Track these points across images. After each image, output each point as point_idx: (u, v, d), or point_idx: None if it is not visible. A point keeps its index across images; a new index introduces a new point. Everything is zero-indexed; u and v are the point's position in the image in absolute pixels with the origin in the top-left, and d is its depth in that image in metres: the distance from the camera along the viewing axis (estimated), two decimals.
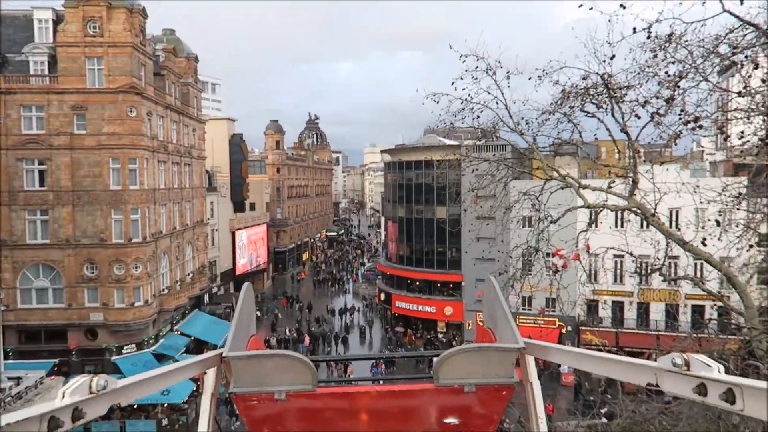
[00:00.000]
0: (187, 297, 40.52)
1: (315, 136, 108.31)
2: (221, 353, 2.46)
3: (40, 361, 30.44)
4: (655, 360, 1.93)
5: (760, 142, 9.19)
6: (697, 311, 35.01)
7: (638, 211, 11.81)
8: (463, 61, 12.74)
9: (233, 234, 58.08)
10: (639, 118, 11.20)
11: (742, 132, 9.22)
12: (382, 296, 55.00)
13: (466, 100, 13.09)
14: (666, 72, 10.56)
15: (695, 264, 31.56)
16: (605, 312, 38.41)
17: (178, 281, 40.39)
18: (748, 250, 10.16)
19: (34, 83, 32.83)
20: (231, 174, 59.53)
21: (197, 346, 39.06)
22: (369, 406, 2.60)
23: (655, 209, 11.68)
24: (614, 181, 12.88)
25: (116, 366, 32.20)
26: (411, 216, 51.26)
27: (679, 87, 10.26)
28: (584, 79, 11.78)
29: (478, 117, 13.56)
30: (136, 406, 30.19)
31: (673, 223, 29.69)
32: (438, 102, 13.44)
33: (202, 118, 48.90)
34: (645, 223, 15.27)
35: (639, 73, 11.11)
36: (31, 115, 32.68)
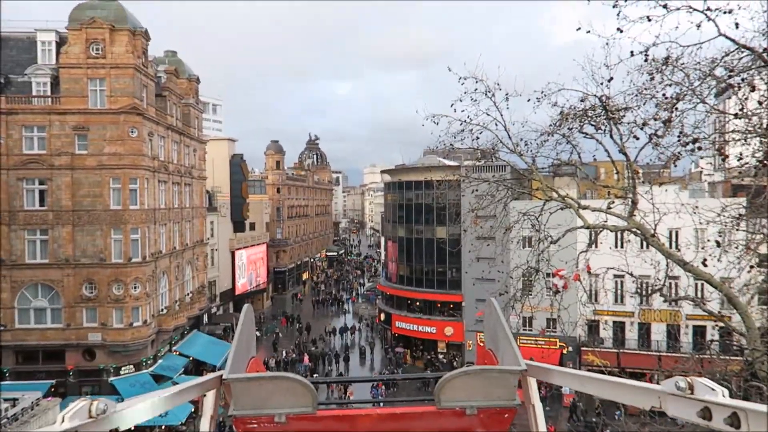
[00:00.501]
0: (186, 317, 40.32)
1: (315, 156, 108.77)
2: (221, 375, 2.43)
3: (37, 382, 30.17)
4: (658, 382, 1.92)
5: (758, 164, 9.25)
6: (699, 332, 34.89)
7: (638, 231, 11.82)
8: (462, 83, 12.87)
9: (233, 254, 58.01)
10: (637, 139, 11.28)
11: (740, 153, 9.29)
12: (382, 316, 54.74)
13: (465, 121, 13.20)
14: (663, 94, 10.67)
15: (696, 284, 31.50)
16: (606, 333, 38.19)
17: (177, 301, 40.23)
18: (748, 271, 10.17)
19: (36, 104, 33.06)
20: (231, 194, 59.69)
21: (196, 366, 38.79)
22: (370, 429, 2.56)
23: (654, 230, 11.70)
24: (614, 202, 12.93)
25: (113, 387, 31.91)
26: (411, 236, 51.25)
27: (676, 109, 10.37)
28: (582, 101, 11.87)
29: (478, 138, 13.65)
30: (133, 428, 29.72)
31: (673, 244, 29.69)
32: (437, 123, 13.56)
33: (203, 138, 49.15)
34: (645, 243, 15.28)
35: (637, 95, 11.23)
36: (32, 135, 32.85)
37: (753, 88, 9.02)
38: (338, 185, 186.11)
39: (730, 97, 10.72)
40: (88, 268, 32.88)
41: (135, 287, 33.37)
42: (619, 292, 36.62)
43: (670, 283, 15.43)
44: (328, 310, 68.96)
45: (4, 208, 31.28)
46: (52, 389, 31.00)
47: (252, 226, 66.47)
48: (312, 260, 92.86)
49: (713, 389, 1.72)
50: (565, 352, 39.86)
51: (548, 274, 15.12)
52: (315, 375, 43.84)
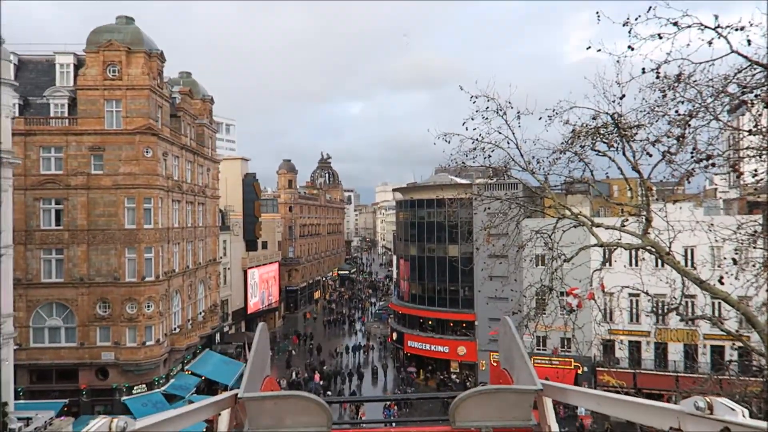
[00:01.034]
0: (198, 336, 40.36)
1: (327, 175, 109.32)
2: (236, 394, 2.44)
3: (50, 401, 30.20)
4: (676, 403, 1.90)
5: None
6: (717, 352, 34.26)
7: (653, 249, 11.70)
8: (474, 102, 12.92)
9: (245, 272, 58.16)
10: (650, 156, 11.20)
11: (755, 170, 9.21)
12: (395, 335, 54.42)
13: (477, 139, 13.22)
14: (676, 111, 10.63)
15: (713, 303, 31.01)
16: (622, 352, 37.63)
17: (189, 320, 40.32)
18: (767, 290, 10.01)
19: (54, 125, 33.62)
20: (244, 213, 60.06)
21: (208, 386, 38.69)
22: None
23: (669, 248, 11.56)
24: (627, 220, 12.84)
25: (126, 406, 31.87)
26: (423, 254, 51.11)
27: (689, 125, 10.31)
28: (594, 118, 11.81)
29: (490, 156, 13.63)
30: None
31: (689, 262, 29.34)
32: (449, 141, 13.60)
33: (216, 158, 49.62)
34: (660, 261, 15.07)
35: (649, 113, 11.18)
36: (50, 155, 33.37)
37: (767, 105, 8.98)
38: (350, 204, 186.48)
39: (743, 114, 10.65)
40: (102, 287, 33.11)
41: (148, 306, 33.50)
42: (634, 311, 36.12)
43: (687, 302, 15.20)
44: (339, 330, 68.70)
45: (21, 228, 31.63)
46: (65, 408, 31.03)
47: (264, 245, 66.73)
48: (324, 279, 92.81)
49: (733, 409, 1.69)
50: (580, 372, 39.28)
51: (562, 293, 14.99)
52: (328, 393, 43.70)
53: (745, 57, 8.77)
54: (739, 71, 9.04)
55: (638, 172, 11.97)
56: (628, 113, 11.59)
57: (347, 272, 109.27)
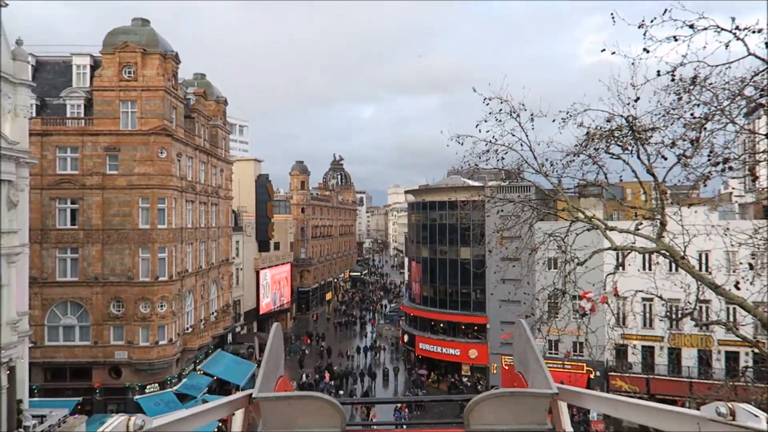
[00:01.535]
0: (210, 336, 40.57)
1: (339, 176, 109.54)
2: (250, 394, 2.45)
3: (64, 399, 30.50)
4: (698, 409, 1.85)
5: None
6: (732, 358, 33.78)
7: (667, 253, 11.58)
8: (487, 104, 12.88)
9: (257, 273, 58.41)
10: (665, 159, 11.09)
11: None
12: (406, 338, 54.35)
13: (490, 142, 13.18)
14: (692, 114, 10.53)
15: (728, 308, 30.63)
16: (635, 357, 37.27)
17: (202, 320, 40.54)
18: None
19: (70, 125, 33.99)
20: (257, 214, 60.33)
21: (220, 386, 38.87)
22: None
23: (684, 252, 11.44)
24: (641, 223, 12.73)
25: (138, 405, 32.10)
26: (435, 256, 51.00)
27: (705, 129, 10.20)
28: (608, 121, 11.73)
29: (503, 158, 13.59)
30: None
31: (704, 266, 29.00)
32: (462, 144, 13.55)
33: (229, 159, 49.91)
34: (674, 265, 14.90)
35: (664, 116, 11.07)
36: (66, 156, 33.76)
37: None
38: (362, 206, 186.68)
39: (760, 117, 10.53)
40: (116, 287, 33.41)
41: (161, 306, 33.73)
42: (647, 315, 35.78)
43: (701, 307, 15.05)
44: (350, 331, 68.69)
45: (36, 227, 31.98)
46: (79, 407, 31.28)
47: (277, 246, 66.94)
48: (335, 280, 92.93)
49: (756, 416, 1.65)
50: (592, 376, 38.95)
51: (575, 297, 14.90)
52: (341, 392, 43.77)
53: (763, 59, 8.67)
54: (756, 74, 8.94)
55: (653, 175, 11.86)
56: (643, 116, 11.48)
57: (359, 274, 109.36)
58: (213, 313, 43.35)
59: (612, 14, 10.06)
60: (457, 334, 48.54)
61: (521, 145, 13.23)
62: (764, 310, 9.65)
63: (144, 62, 33.97)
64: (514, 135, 13.13)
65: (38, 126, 32.86)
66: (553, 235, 13.62)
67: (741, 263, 11.23)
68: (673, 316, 20.78)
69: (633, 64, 10.15)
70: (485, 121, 13.03)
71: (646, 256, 23.89)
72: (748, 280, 9.96)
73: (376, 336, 64.61)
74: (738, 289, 9.68)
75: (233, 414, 2.49)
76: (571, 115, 12.30)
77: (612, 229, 13.23)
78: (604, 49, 10.75)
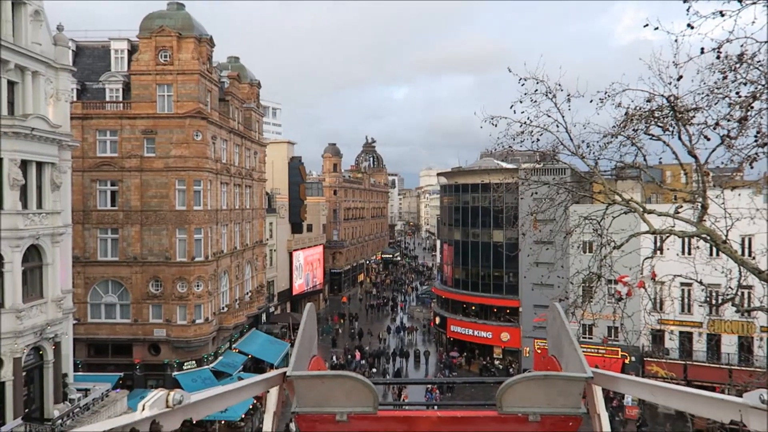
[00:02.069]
0: (245, 316, 41.32)
1: (371, 158, 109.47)
2: (284, 372, 2.48)
3: (107, 374, 31.58)
4: (739, 396, 1.80)
5: None
6: None
7: (708, 237, 11.27)
8: (522, 84, 12.64)
9: (291, 255, 59.11)
10: (708, 140, 10.74)
11: None
12: (437, 320, 54.46)
13: (525, 123, 12.96)
14: (737, 93, 10.13)
15: None
16: (672, 343, 36.56)
17: (237, 300, 41.30)
18: None
19: (109, 109, 34.71)
20: (290, 195, 60.86)
21: (254, 364, 39.67)
22: (430, 431, 2.55)
23: (726, 236, 11.13)
24: (681, 206, 12.42)
25: (177, 381, 33.01)
26: (467, 239, 50.75)
27: (752, 108, 9.82)
28: (649, 101, 11.40)
29: (538, 140, 13.36)
30: (194, 422, 30.71)
31: (746, 251, 28.19)
32: (496, 125, 13.35)
33: (263, 141, 50.31)
34: (715, 250, 14.53)
35: (708, 95, 10.68)
36: (105, 138, 34.53)
37: None
38: (394, 188, 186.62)
39: None
40: (155, 266, 34.23)
41: (198, 285, 34.46)
42: (686, 300, 34.99)
43: (743, 293, 14.60)
44: (382, 313, 69.13)
45: (78, 208, 32.91)
46: (120, 382, 32.35)
47: (309, 228, 67.55)
48: (367, 262, 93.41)
49: None
50: (627, 362, 38.41)
51: (610, 281, 14.68)
52: (374, 370, 44.31)
53: None
54: None
55: (694, 157, 11.49)
56: (685, 96, 11.09)
57: (390, 256, 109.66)
58: (247, 293, 44.12)
59: None
60: (489, 317, 48.39)
61: (557, 126, 12.99)
62: None
63: (179, 46, 34.34)
64: (549, 116, 12.88)
65: (79, 110, 33.64)
66: (589, 218, 13.40)
67: None
68: (713, 301, 20.34)
69: (676, 41, 9.82)
70: (520, 102, 12.80)
71: (686, 240, 23.24)
72: None
73: (408, 317, 64.91)
74: None
75: (268, 391, 2.54)
76: (609, 96, 11.98)
77: (650, 212, 12.94)
78: (647, 24, 10.39)
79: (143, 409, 1.73)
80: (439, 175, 60.24)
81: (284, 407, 2.58)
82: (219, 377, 34.44)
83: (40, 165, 23.75)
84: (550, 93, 12.59)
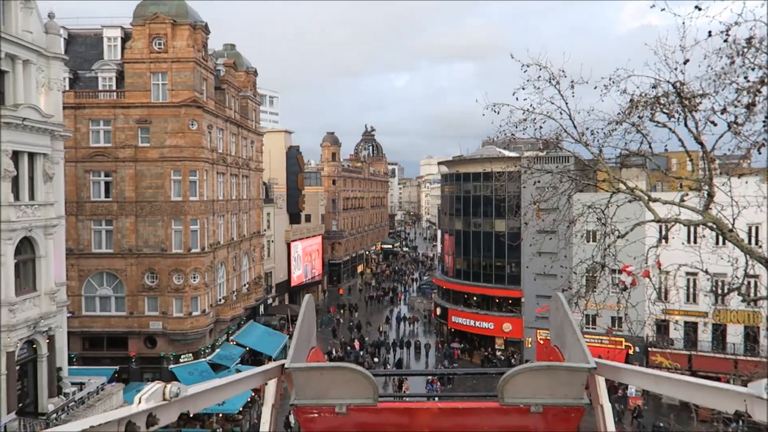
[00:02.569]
0: (243, 307, 41.01)
1: (371, 147, 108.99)
2: (283, 364, 2.46)
3: (102, 368, 31.32)
4: (744, 386, 1.74)
5: None
6: None
7: (714, 226, 11.20)
8: (525, 71, 12.48)
9: (289, 245, 58.72)
10: (715, 125, 10.64)
11: None
12: (438, 311, 54.18)
13: (527, 110, 12.82)
14: (746, 77, 9.95)
15: None
16: (677, 333, 36.27)
17: (234, 292, 40.97)
18: None
19: (102, 98, 34.19)
20: (287, 185, 60.37)
21: (252, 356, 39.40)
22: (430, 423, 2.53)
23: (733, 224, 11.05)
24: (687, 194, 12.37)
25: (173, 374, 32.75)
26: (469, 229, 50.33)
27: (760, 93, 9.64)
28: (654, 87, 11.28)
29: (541, 128, 13.21)
30: (191, 415, 30.55)
31: (753, 240, 27.78)
32: (498, 112, 13.15)
33: (260, 130, 49.79)
34: (721, 239, 14.31)
35: (715, 80, 10.58)
36: (99, 128, 34.02)
37: None
38: (394, 177, 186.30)
39: None
40: (150, 258, 33.85)
41: (194, 277, 34.11)
42: (691, 290, 34.66)
43: (749, 282, 14.46)
44: (382, 305, 68.67)
45: (72, 199, 32.46)
46: (116, 375, 32.09)
47: (308, 218, 67.14)
48: (367, 253, 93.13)
49: None
50: (631, 352, 38.10)
51: (614, 271, 14.55)
52: (375, 359, 44.15)
53: None
54: None
55: (701, 144, 11.40)
56: (692, 81, 11.05)
57: (390, 246, 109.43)
58: (245, 285, 43.78)
59: None
60: (491, 308, 48.05)
61: (560, 113, 12.91)
62: None
63: (174, 33, 33.74)
64: (552, 103, 12.75)
65: (71, 99, 33.09)
66: (593, 206, 13.31)
67: None
68: (719, 291, 20.08)
69: (683, 23, 9.53)
70: (522, 89, 12.74)
71: (692, 228, 22.99)
72: None
73: (408, 309, 64.68)
74: None
75: (266, 384, 2.51)
76: (613, 82, 11.96)
77: (655, 200, 12.84)
78: (653, 5, 10.10)
79: (140, 402, 1.67)
80: (440, 163, 59.82)
81: (283, 399, 2.57)
82: (216, 370, 34.17)
83: (32, 156, 23.44)
84: (554, 79, 12.53)
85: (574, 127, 13.09)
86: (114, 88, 34.61)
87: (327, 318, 57.87)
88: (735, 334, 35.12)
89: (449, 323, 50.69)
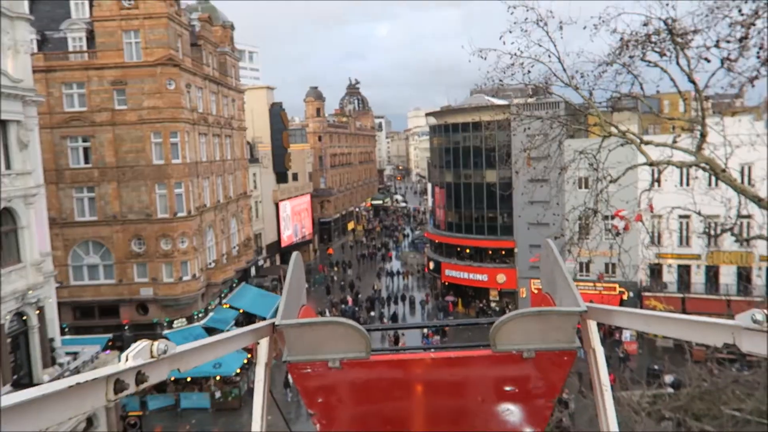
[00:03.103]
0: (234, 270, 40.87)
1: (356, 101, 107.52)
2: (274, 322, 2.47)
3: (95, 336, 31.35)
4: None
5: None
6: None
7: (707, 167, 11.34)
8: (512, 13, 12.30)
9: (277, 205, 58.19)
10: (709, 62, 10.56)
11: None
12: (431, 265, 54.38)
13: (515, 54, 12.74)
14: (739, 10, 9.78)
15: None
16: (670, 276, 36.65)
17: (224, 255, 40.72)
18: None
19: (74, 60, 33.02)
20: (272, 144, 59.26)
21: (246, 318, 39.50)
22: (424, 374, 2.57)
23: (726, 164, 11.06)
24: (680, 136, 12.40)
25: (168, 340, 32.68)
26: (459, 181, 49.97)
27: (754, 26, 9.53)
28: (645, 25, 11.08)
29: (529, 72, 13.19)
30: (189, 379, 30.80)
31: (745, 179, 27.69)
32: (485, 58, 13.06)
33: (240, 87, 48.63)
34: (714, 180, 14.31)
35: (707, 15, 10.45)
36: (72, 92, 32.95)
37: None
38: (381, 131, 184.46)
39: None
40: (136, 224, 33.39)
41: (182, 242, 33.75)
42: (684, 233, 34.85)
43: (742, 222, 14.49)
44: (374, 262, 68.49)
45: (50, 168, 31.55)
46: (110, 343, 32.08)
47: (295, 177, 66.25)
48: (357, 210, 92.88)
49: None
50: (625, 297, 38.54)
51: (607, 216, 14.57)
52: (372, 313, 44.57)
53: None
54: None
55: (693, 82, 11.42)
56: (683, 17, 10.97)
57: (381, 202, 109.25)
58: (235, 248, 43.49)
59: None
60: (484, 260, 48.18)
61: (549, 56, 12.84)
62: None
63: None
64: (541, 46, 12.68)
65: (41, 62, 31.83)
66: (584, 152, 13.35)
67: None
68: (712, 232, 20.18)
69: None
70: (509, 32, 12.63)
71: (684, 171, 22.85)
72: None
73: (401, 264, 64.80)
74: None
75: (258, 343, 2.52)
76: (603, 21, 11.95)
77: (648, 143, 12.87)
78: None
79: (127, 359, 1.58)
80: (427, 115, 59.02)
81: (278, 359, 2.56)
82: (211, 333, 34.00)
83: (3, 123, 22.66)
84: (541, 21, 12.37)
85: (564, 70, 13.08)
86: (85, 48, 33.36)
87: (320, 276, 57.96)
88: (728, 275, 35.52)
89: (443, 277, 50.91)
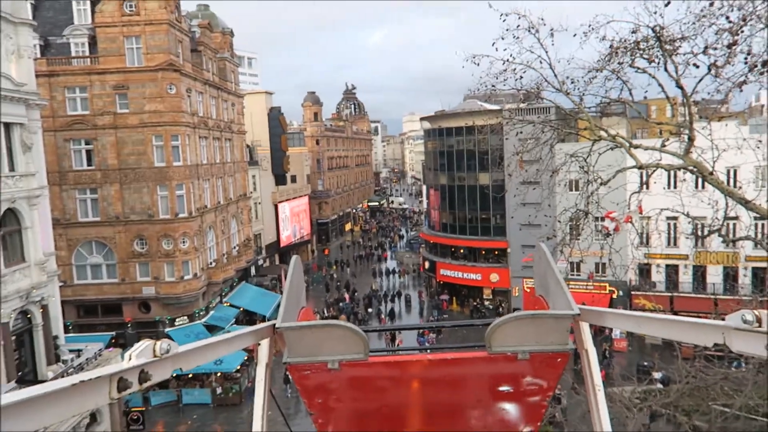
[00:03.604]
0: (234, 269, 41.27)
1: (353, 106, 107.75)
2: (274, 324, 2.52)
3: (99, 334, 31.63)
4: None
5: None
6: (760, 274, 33.44)
7: (695, 170, 11.26)
8: (504, 20, 12.32)
9: (276, 207, 58.63)
10: (697, 67, 10.59)
11: None
12: (426, 264, 54.87)
13: (507, 60, 12.71)
14: (727, 17, 9.90)
15: (756, 224, 30.06)
16: (659, 276, 37.12)
17: (224, 254, 41.15)
18: None
19: (76, 65, 33.40)
20: (271, 147, 59.68)
21: (247, 317, 39.92)
22: (421, 375, 2.61)
23: (713, 167, 11.14)
24: (668, 140, 12.41)
25: (169, 337, 33.05)
26: (453, 183, 50.54)
27: (742, 32, 9.63)
28: (634, 32, 11.27)
29: (521, 78, 13.15)
30: (191, 376, 31.21)
31: (731, 182, 28.23)
32: (478, 64, 13.05)
33: (240, 92, 49.05)
34: (701, 182, 14.51)
35: (694, 23, 10.47)
36: (75, 96, 33.35)
37: None
38: (377, 135, 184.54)
39: None
40: (138, 225, 33.80)
41: (183, 242, 34.19)
42: (672, 234, 35.37)
43: (728, 224, 14.77)
44: (371, 263, 68.97)
45: (54, 169, 31.98)
46: (113, 341, 32.38)
47: (293, 179, 66.68)
48: (354, 211, 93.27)
49: None
50: (614, 296, 39.10)
51: (597, 218, 14.74)
52: (369, 310, 44.91)
53: None
54: None
55: (681, 88, 11.35)
56: (671, 25, 10.91)
57: (377, 204, 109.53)
58: (235, 247, 43.92)
59: None
60: (477, 259, 48.75)
61: (540, 62, 12.77)
62: None
63: None
64: (532, 52, 12.62)
65: (44, 67, 32.24)
66: (575, 155, 13.33)
67: None
68: (700, 233, 20.55)
69: None
70: (502, 39, 12.56)
71: (672, 173, 23.27)
72: None
73: (397, 264, 65.23)
74: None
75: (259, 344, 2.57)
76: (593, 28, 11.83)
77: (637, 146, 12.87)
78: None
79: (130, 358, 1.68)
80: (422, 119, 59.44)
81: (278, 357, 2.62)
82: (212, 331, 34.65)
83: (8, 126, 22.91)
84: (533, 28, 12.35)
85: (555, 76, 12.98)
86: (87, 53, 33.78)
87: (318, 275, 58.35)
88: (715, 275, 36.06)
89: (438, 276, 51.43)
